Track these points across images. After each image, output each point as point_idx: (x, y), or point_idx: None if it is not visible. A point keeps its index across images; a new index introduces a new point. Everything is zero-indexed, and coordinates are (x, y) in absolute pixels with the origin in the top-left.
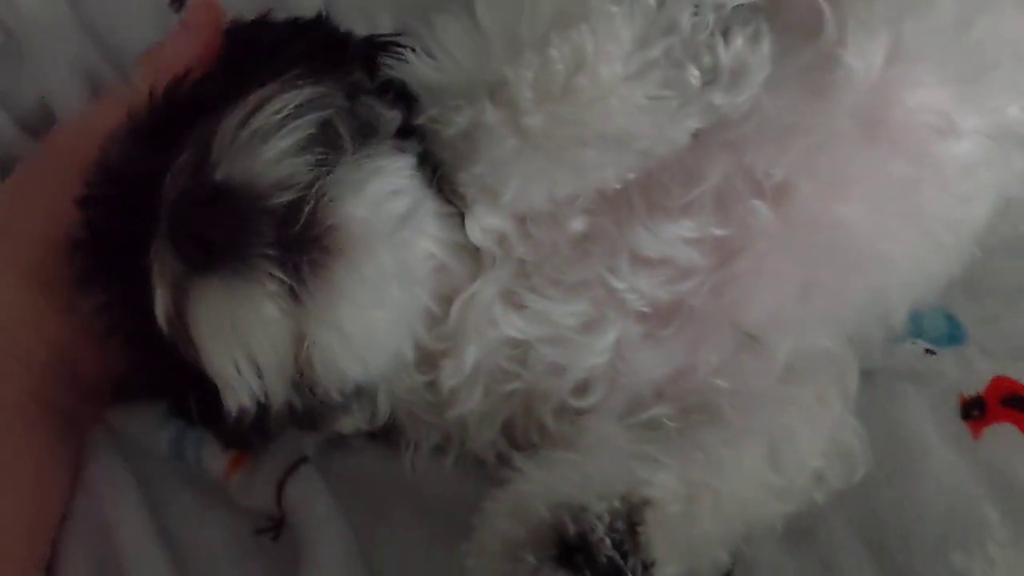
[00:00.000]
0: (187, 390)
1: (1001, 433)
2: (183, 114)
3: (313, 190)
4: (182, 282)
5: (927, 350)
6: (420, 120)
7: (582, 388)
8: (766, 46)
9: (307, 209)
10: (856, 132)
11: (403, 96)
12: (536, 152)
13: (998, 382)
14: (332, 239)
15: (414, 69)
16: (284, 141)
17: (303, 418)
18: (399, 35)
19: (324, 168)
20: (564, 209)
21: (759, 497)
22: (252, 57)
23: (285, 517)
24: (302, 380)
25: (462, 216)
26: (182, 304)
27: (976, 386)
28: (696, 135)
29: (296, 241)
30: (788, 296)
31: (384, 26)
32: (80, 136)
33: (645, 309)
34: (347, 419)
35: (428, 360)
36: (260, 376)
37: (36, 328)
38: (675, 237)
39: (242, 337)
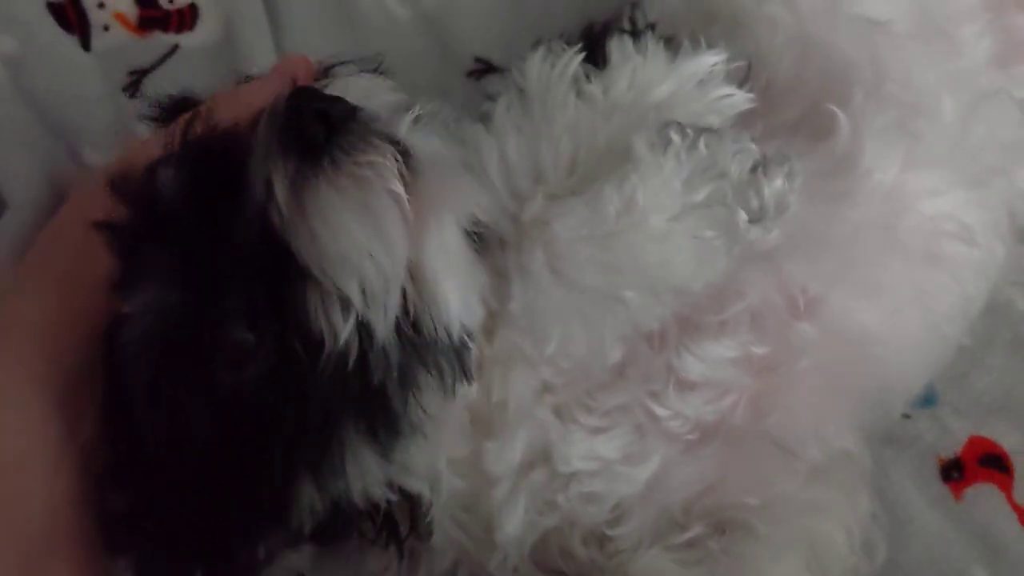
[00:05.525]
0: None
1: (982, 493)
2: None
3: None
4: (296, 181)
5: (903, 414)
6: None
7: (617, 516)
8: (799, 182)
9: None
10: (880, 241)
11: None
12: (579, 300)
13: (973, 442)
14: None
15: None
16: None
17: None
18: None
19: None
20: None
21: None
22: None
23: None
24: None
25: None
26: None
27: (953, 447)
28: None
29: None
30: (817, 405)
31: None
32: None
33: (691, 437)
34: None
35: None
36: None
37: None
38: (719, 358)
39: (373, 215)
